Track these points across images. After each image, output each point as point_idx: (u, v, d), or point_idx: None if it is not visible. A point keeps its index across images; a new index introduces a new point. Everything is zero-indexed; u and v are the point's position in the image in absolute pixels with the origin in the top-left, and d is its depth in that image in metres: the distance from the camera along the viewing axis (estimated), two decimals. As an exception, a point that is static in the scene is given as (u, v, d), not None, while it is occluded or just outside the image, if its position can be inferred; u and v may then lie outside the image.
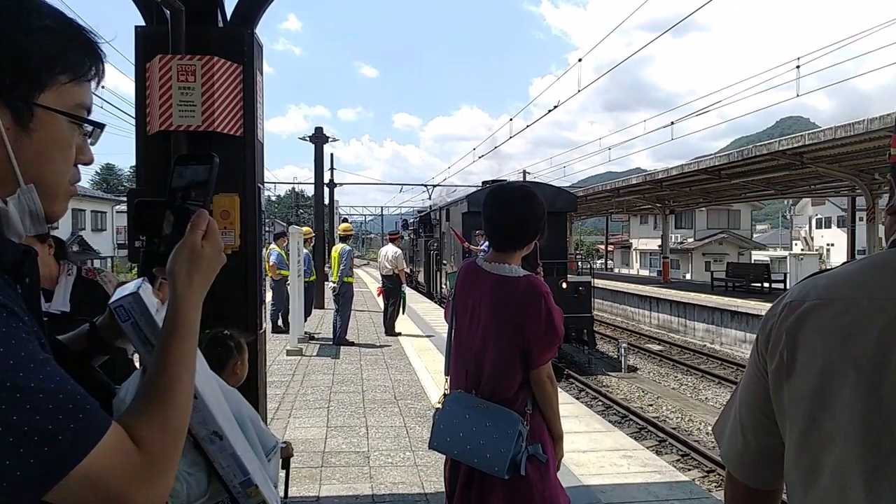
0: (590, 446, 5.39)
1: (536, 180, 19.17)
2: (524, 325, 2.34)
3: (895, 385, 0.96)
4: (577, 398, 9.97)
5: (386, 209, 61.12)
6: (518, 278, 2.40)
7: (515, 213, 2.45)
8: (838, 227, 44.33)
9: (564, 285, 13.92)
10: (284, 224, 11.61)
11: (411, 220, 28.26)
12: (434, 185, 38.67)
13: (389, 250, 11.43)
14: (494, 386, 2.38)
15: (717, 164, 17.73)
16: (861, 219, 20.12)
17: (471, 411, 2.35)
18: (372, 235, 73.46)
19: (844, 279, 1.07)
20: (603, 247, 42.38)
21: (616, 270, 48.24)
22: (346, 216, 41.93)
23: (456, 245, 14.66)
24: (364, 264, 51.19)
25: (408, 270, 19.75)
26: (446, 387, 2.61)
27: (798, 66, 14.34)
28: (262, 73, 3.88)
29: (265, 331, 3.94)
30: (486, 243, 12.92)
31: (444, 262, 17.86)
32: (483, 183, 16.75)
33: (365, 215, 67.30)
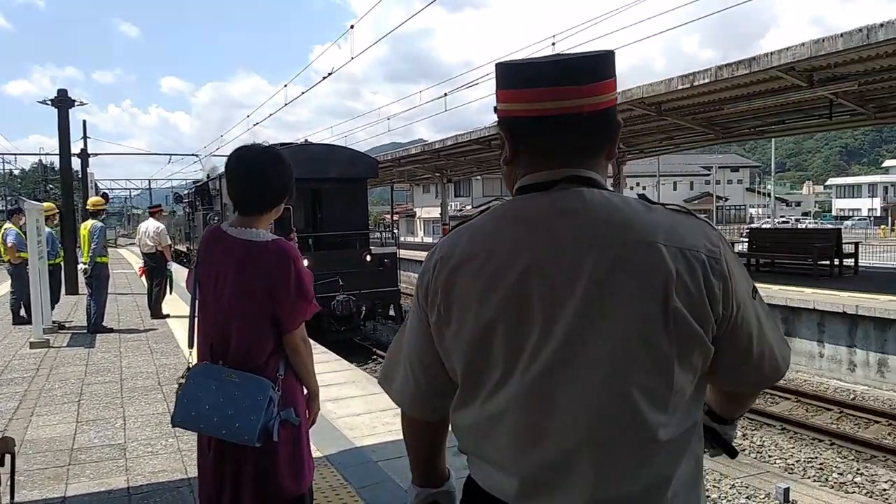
0: (365, 409, 5.46)
1: (332, 143, 17.86)
2: (273, 291, 2.25)
3: (541, 328, 1.07)
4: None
5: (154, 182, 56.40)
6: (266, 243, 2.29)
7: (260, 174, 2.34)
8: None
9: (368, 258, 13.34)
10: (29, 201, 10.03)
11: (185, 193, 26.31)
12: (207, 156, 36.39)
13: (150, 225, 10.47)
14: (244, 355, 2.27)
15: (486, 135, 18.75)
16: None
17: (218, 382, 2.24)
18: (139, 211, 67.53)
19: (481, 233, 1.16)
20: (388, 216, 43.25)
21: (403, 239, 49.51)
22: (107, 190, 37.90)
23: None
24: (130, 243, 46.91)
25: (180, 247, 18.34)
26: (191, 360, 2.44)
27: (553, 44, 15.56)
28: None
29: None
30: None
31: None
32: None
33: (130, 189, 61.59)
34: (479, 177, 40.51)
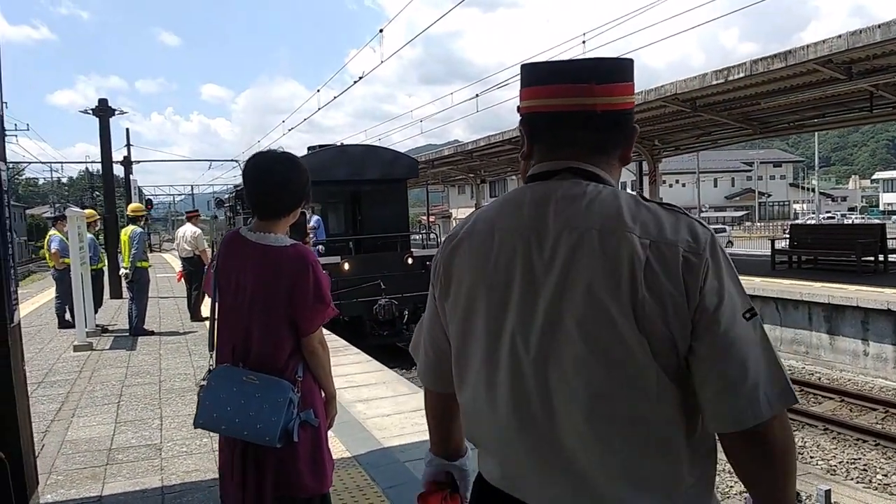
0: (394, 409, 5.49)
1: (374, 144, 17.40)
2: (292, 295, 2.30)
3: (519, 312, 1.11)
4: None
5: (196, 187, 57.55)
6: (285, 248, 2.34)
7: (276, 178, 2.39)
8: (630, 189, 48.84)
9: (410, 260, 12.88)
10: (72, 208, 10.35)
11: (226, 197, 26.71)
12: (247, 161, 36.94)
13: (188, 230, 10.70)
14: (263, 357, 2.32)
15: (518, 135, 18.59)
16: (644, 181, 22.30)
17: (239, 384, 2.28)
18: (182, 217, 68.97)
19: (486, 213, 1.23)
20: (425, 218, 43.44)
21: (441, 240, 49.31)
22: (151, 196, 38.84)
23: None
24: (173, 248, 47.99)
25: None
26: (211, 362, 2.48)
27: (584, 42, 15.43)
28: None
29: (18, 324, 3.51)
30: (316, 219, 12.41)
31: None
32: (308, 149, 14.74)
33: (173, 195, 62.95)
34: (513, 176, 40.32)
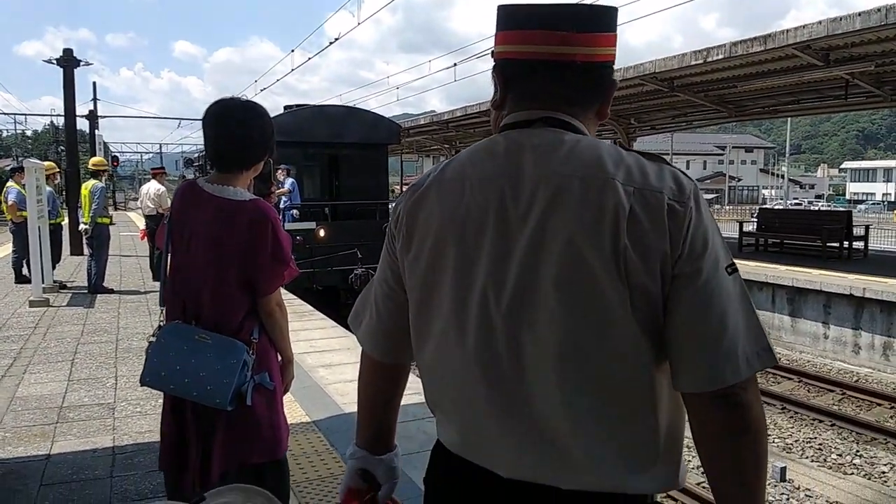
0: (356, 375, 5.40)
1: (354, 105, 16.31)
2: (249, 253, 2.17)
3: (489, 250, 1.04)
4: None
5: (165, 146, 56.25)
6: (244, 202, 2.20)
7: (238, 129, 2.22)
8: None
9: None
10: (30, 160, 9.96)
11: (196, 157, 26.12)
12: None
13: (152, 187, 10.42)
14: (217, 316, 2.20)
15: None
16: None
17: (190, 343, 2.16)
18: (149, 175, 67.57)
19: (455, 162, 1.14)
20: (398, 187, 43.22)
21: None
22: (118, 153, 37.82)
23: None
24: (138, 207, 47.05)
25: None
26: (161, 318, 2.36)
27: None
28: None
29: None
30: (291, 181, 12.06)
31: None
32: (285, 108, 13.99)
33: (141, 153, 61.55)
34: (489, 150, 40.20)
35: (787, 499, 5.98)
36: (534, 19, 1.07)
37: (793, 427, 7.78)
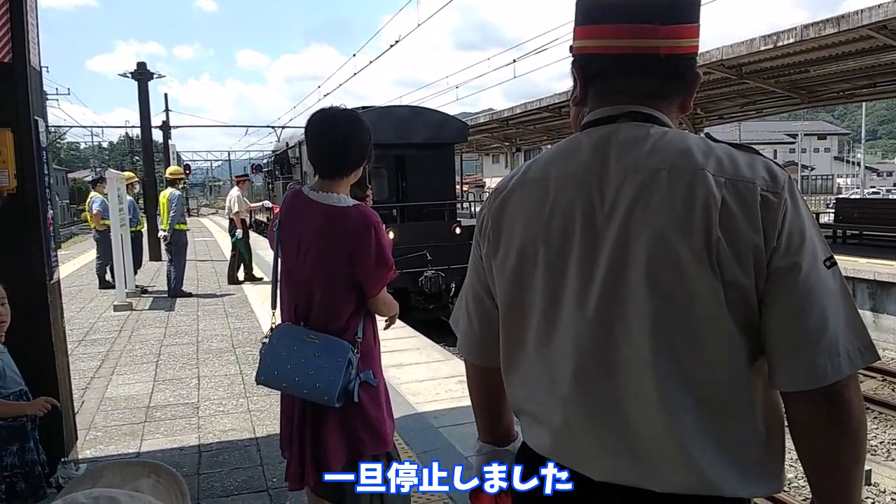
0: (428, 375, 5.49)
1: (422, 105, 15.86)
2: (354, 257, 2.26)
3: (577, 249, 1.03)
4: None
5: (233, 153, 58.00)
6: (348, 208, 2.30)
7: (340, 137, 2.32)
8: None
9: (458, 230, 12.07)
10: (111, 170, 10.51)
11: (265, 162, 26.67)
12: (282, 127, 37.09)
13: (231, 193, 10.90)
14: (325, 317, 2.31)
15: (556, 101, 18.34)
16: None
17: (300, 343, 2.28)
18: (220, 182, 69.75)
19: (538, 162, 1.14)
20: (458, 187, 43.35)
21: (475, 210, 49.30)
22: (189, 161, 39.26)
23: None
24: (212, 213, 48.62)
25: (260, 216, 18.10)
26: (274, 320, 2.50)
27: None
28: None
29: (58, 282, 3.55)
30: None
31: None
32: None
33: (211, 161, 63.65)
34: (548, 145, 39.71)
35: (873, 503, 5.74)
36: (616, 13, 1.05)
37: (877, 428, 7.44)
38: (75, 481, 0.92)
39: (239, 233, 10.69)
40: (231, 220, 10.84)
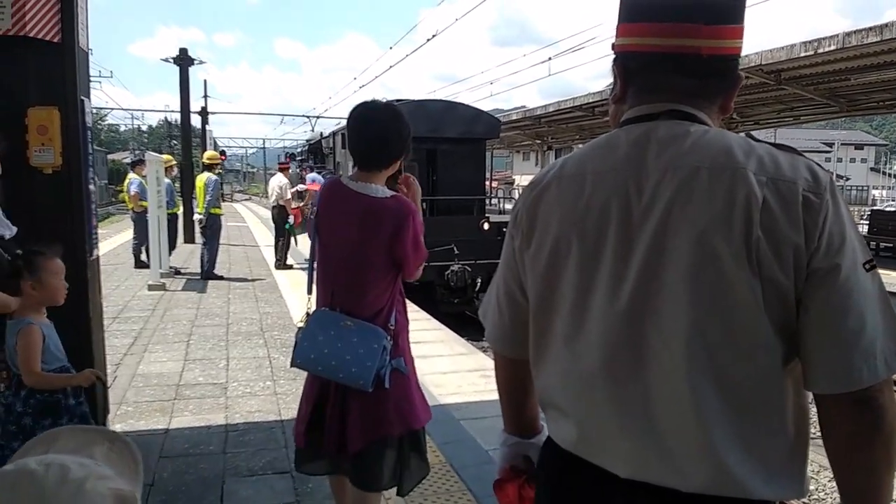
0: (451, 368, 5.56)
1: (455, 100, 16.32)
2: (392, 245, 2.33)
3: (617, 259, 1.04)
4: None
5: (268, 141, 58.68)
6: (386, 199, 2.37)
7: (381, 130, 2.39)
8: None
9: (486, 226, 12.11)
10: (150, 153, 10.80)
11: (299, 151, 26.75)
12: (317, 117, 37.46)
13: (274, 181, 11.10)
14: (360, 304, 2.38)
15: (590, 101, 18.23)
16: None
17: (336, 328, 2.35)
18: (255, 169, 70.46)
19: (575, 157, 1.15)
20: (488, 183, 43.26)
21: (504, 206, 49.10)
22: (225, 148, 39.83)
23: None
24: (246, 199, 49.24)
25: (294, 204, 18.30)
26: (310, 306, 2.58)
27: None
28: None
29: (97, 259, 3.68)
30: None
31: None
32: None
33: (246, 148, 64.40)
34: (580, 144, 39.47)
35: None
36: (660, 11, 1.05)
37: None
38: (30, 443, 0.93)
39: (291, 219, 10.82)
40: (275, 208, 10.98)
